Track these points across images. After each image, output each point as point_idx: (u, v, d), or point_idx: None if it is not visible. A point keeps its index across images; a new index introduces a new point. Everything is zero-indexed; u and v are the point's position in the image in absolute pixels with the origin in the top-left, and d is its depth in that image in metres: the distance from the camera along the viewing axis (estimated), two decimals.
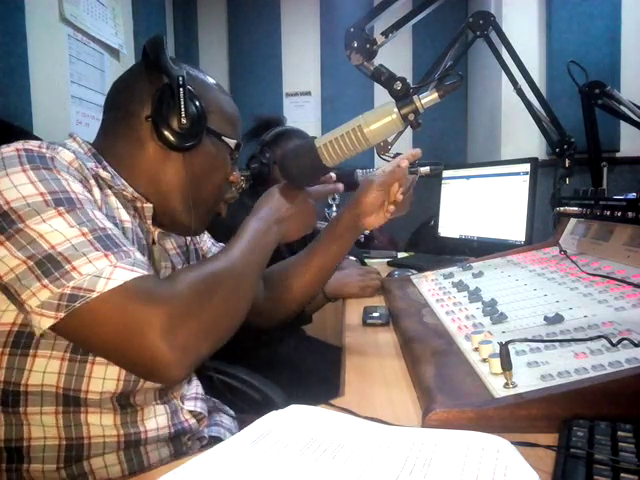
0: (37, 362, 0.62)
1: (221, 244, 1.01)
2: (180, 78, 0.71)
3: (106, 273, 0.56)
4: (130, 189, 0.74)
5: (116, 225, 0.67)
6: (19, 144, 0.63)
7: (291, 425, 0.54)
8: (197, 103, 0.73)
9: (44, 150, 0.63)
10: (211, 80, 0.81)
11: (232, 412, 0.94)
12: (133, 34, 2.35)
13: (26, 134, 1.05)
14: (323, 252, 0.93)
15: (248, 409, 0.98)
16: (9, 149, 0.62)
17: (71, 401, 0.64)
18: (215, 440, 0.81)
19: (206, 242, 0.99)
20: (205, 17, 3.27)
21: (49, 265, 0.55)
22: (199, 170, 0.77)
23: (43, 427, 0.63)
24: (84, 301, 0.55)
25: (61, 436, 0.64)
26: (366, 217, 0.88)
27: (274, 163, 1.47)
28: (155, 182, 0.76)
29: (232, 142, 0.80)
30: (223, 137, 0.78)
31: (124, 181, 0.74)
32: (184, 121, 0.71)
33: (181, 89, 0.71)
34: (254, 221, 0.77)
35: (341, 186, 0.89)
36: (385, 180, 0.86)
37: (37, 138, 0.96)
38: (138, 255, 0.62)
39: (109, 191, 0.71)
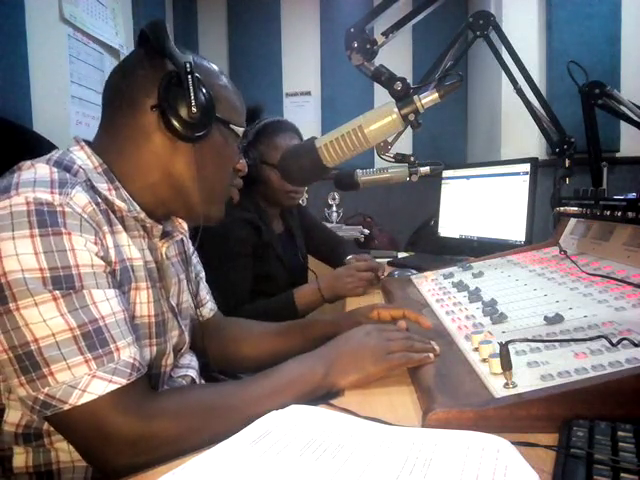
0: None
1: (202, 271, 1.01)
2: (188, 65, 0.67)
3: (82, 384, 0.55)
4: (142, 215, 0.72)
5: (126, 268, 0.67)
6: (29, 190, 0.58)
7: (291, 425, 0.54)
8: (205, 91, 0.70)
9: (57, 200, 0.59)
10: (215, 67, 0.78)
11: None
12: (133, 34, 2.34)
13: (27, 132, 1.05)
14: (288, 339, 0.94)
15: None
16: (18, 200, 0.57)
17: None
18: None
19: (196, 264, 0.99)
20: (205, 17, 3.27)
21: (27, 363, 0.55)
22: (209, 160, 0.74)
23: (70, 453, 0.63)
24: (55, 411, 0.55)
25: None
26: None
27: (261, 162, 1.47)
28: (167, 176, 0.73)
29: (239, 130, 0.78)
30: (231, 125, 0.76)
31: (137, 206, 0.72)
32: (194, 110, 0.67)
33: (189, 77, 0.67)
34: (304, 359, 0.71)
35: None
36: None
37: (39, 137, 0.96)
38: (125, 354, 0.59)
39: (120, 226, 0.68)
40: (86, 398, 0.55)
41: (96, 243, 0.61)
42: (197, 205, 0.75)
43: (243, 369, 1.03)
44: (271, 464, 0.46)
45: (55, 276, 0.56)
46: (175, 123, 0.68)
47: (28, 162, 0.64)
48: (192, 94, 0.67)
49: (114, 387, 0.56)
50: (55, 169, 0.64)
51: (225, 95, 0.76)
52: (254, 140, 1.49)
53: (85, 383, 0.55)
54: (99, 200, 0.66)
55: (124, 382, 0.57)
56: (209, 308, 1.00)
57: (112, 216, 0.68)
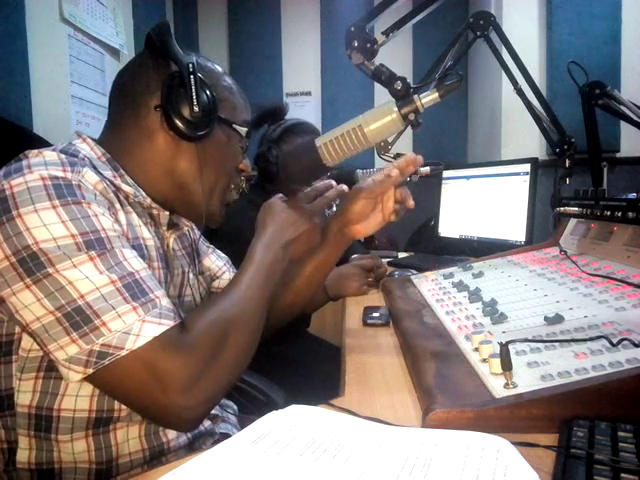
0: (70, 386, 0.62)
1: (211, 246, 1.00)
2: (190, 65, 0.69)
3: (135, 329, 0.56)
4: (148, 200, 0.73)
5: (140, 246, 0.68)
6: (41, 168, 0.59)
7: (291, 425, 0.54)
8: (208, 91, 0.71)
9: (69, 175, 0.60)
10: (219, 68, 0.79)
11: (235, 407, 0.94)
12: (133, 34, 2.35)
13: (26, 132, 1.05)
14: (310, 261, 0.91)
15: (248, 409, 0.98)
16: (33, 177, 0.58)
17: (102, 422, 0.64)
18: (224, 437, 0.81)
19: (202, 245, 0.97)
20: (205, 17, 3.27)
21: (78, 318, 0.55)
22: (211, 159, 0.75)
23: (74, 454, 0.64)
24: (113, 359, 0.55)
25: (91, 460, 0.64)
26: (353, 226, 0.87)
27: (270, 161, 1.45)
28: (170, 174, 0.74)
29: (242, 130, 0.79)
30: (234, 125, 0.77)
31: (142, 192, 0.73)
32: (196, 110, 0.69)
33: (192, 77, 0.69)
34: (261, 249, 0.75)
35: (344, 187, 0.87)
36: (373, 189, 0.84)
37: (38, 137, 0.97)
38: (164, 301, 0.61)
39: (130, 208, 0.70)
40: (141, 341, 0.56)
41: (111, 216, 0.63)
42: (199, 204, 0.76)
43: None
44: (271, 464, 0.46)
45: (87, 240, 0.58)
46: (177, 122, 0.69)
47: (35, 150, 0.65)
48: (194, 94, 0.69)
49: (164, 328, 0.58)
50: (62, 155, 0.65)
51: (228, 95, 0.77)
52: (278, 139, 1.49)
53: (138, 328, 0.56)
54: (108, 182, 0.67)
55: (172, 323, 0.59)
56: (227, 279, 0.96)
57: (121, 197, 0.69)
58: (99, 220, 0.60)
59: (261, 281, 0.72)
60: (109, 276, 0.57)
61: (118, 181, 0.70)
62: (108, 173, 0.69)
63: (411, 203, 0.85)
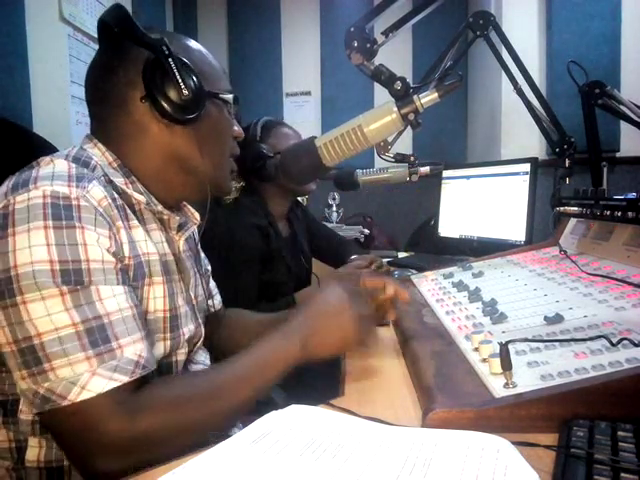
0: None
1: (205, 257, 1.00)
2: (164, 47, 0.66)
3: (82, 381, 0.55)
4: (159, 207, 0.73)
5: (140, 264, 0.67)
6: (46, 183, 0.59)
7: (291, 425, 0.54)
8: (189, 70, 0.69)
9: (73, 193, 0.59)
10: (188, 40, 0.77)
11: None
12: None
13: (27, 132, 1.05)
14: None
15: None
16: (36, 194, 0.58)
17: None
18: (226, 436, 0.81)
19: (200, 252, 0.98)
20: (205, 17, 3.27)
21: (29, 357, 0.55)
22: (208, 136, 0.75)
23: None
24: (54, 406, 0.55)
25: None
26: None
27: (277, 154, 1.45)
28: (173, 161, 0.74)
29: (229, 98, 0.77)
30: (220, 95, 0.76)
31: (154, 198, 0.73)
32: (185, 93, 0.67)
33: (171, 60, 0.66)
34: (278, 335, 0.68)
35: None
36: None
37: (39, 137, 0.96)
38: (128, 352, 0.58)
39: (135, 222, 0.69)
40: (84, 395, 0.54)
41: (110, 237, 0.62)
42: (206, 180, 0.76)
43: None
44: (271, 464, 0.46)
45: (64, 269, 0.56)
46: (168, 110, 0.68)
47: (47, 157, 0.64)
48: (179, 78, 0.67)
49: (114, 385, 0.56)
50: (74, 164, 0.64)
51: (206, 67, 0.75)
52: (263, 136, 1.49)
53: (85, 380, 0.55)
54: (115, 196, 0.66)
55: (126, 379, 0.57)
56: (218, 300, 0.99)
57: (129, 211, 0.68)
58: (86, 250, 0.58)
59: (256, 370, 0.66)
60: (72, 317, 0.55)
61: (130, 189, 0.69)
62: (120, 180, 0.69)
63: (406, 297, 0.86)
